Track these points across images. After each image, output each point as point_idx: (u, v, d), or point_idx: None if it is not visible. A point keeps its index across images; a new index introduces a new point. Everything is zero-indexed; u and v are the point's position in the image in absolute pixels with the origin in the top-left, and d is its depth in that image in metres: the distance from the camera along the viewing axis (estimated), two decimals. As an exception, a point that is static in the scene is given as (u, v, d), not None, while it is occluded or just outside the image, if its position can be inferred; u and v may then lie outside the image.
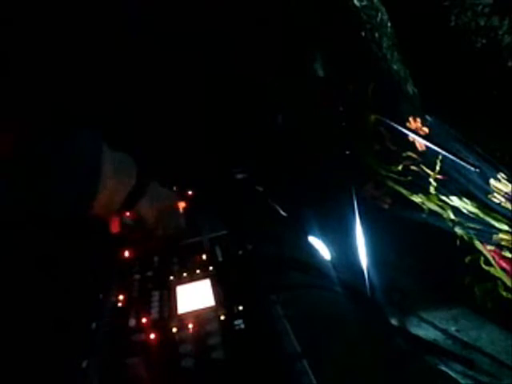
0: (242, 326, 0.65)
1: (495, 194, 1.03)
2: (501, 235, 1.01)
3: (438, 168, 1.10)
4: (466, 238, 1.07)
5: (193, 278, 0.78)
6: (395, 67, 1.15)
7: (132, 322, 0.69)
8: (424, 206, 1.14)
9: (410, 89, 1.14)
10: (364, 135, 1.24)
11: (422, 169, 1.14)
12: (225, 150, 1.24)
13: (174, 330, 0.66)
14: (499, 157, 1.00)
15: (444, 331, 0.93)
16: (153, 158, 0.87)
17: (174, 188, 1.02)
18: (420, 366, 0.80)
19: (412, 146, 1.16)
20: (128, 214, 0.81)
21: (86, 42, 0.95)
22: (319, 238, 0.97)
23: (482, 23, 0.93)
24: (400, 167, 1.19)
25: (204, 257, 0.83)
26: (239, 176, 1.17)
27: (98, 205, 0.74)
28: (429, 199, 1.13)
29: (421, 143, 1.13)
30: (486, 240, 1.03)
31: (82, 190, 0.72)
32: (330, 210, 1.10)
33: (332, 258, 0.94)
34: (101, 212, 0.76)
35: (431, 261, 1.06)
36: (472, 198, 1.06)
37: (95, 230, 0.89)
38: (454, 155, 1.02)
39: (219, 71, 1.25)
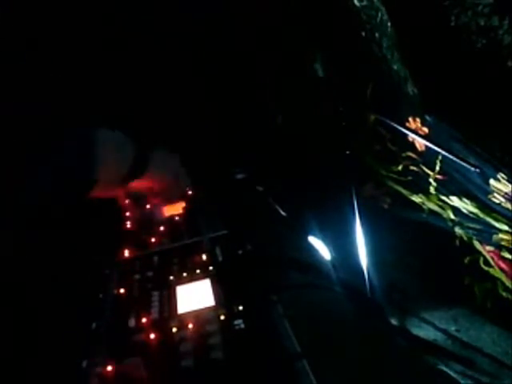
0: (242, 326, 0.65)
1: (495, 194, 1.03)
2: (500, 235, 1.01)
3: (437, 168, 1.10)
4: (465, 238, 1.07)
5: (193, 277, 0.78)
6: (395, 67, 1.15)
7: (132, 322, 0.69)
8: (424, 206, 1.14)
9: (410, 89, 1.14)
10: (364, 135, 1.24)
11: (422, 169, 1.14)
12: (225, 149, 1.24)
13: (174, 329, 0.66)
14: (499, 157, 1.00)
15: (444, 331, 0.93)
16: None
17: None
18: (420, 366, 0.80)
19: (412, 146, 1.16)
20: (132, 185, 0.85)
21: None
22: (319, 238, 0.97)
23: (482, 23, 0.93)
24: (400, 167, 1.19)
25: (204, 257, 0.83)
26: (239, 176, 1.17)
27: (101, 182, 0.77)
28: (429, 199, 1.13)
29: (421, 143, 1.14)
30: (486, 240, 1.04)
31: (82, 171, 0.75)
32: (330, 209, 1.10)
33: (332, 258, 0.94)
34: (104, 189, 0.79)
35: (431, 261, 1.06)
36: (472, 198, 1.06)
37: (97, 226, 0.90)
38: (453, 155, 1.02)
39: (219, 71, 1.25)
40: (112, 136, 0.80)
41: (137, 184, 0.87)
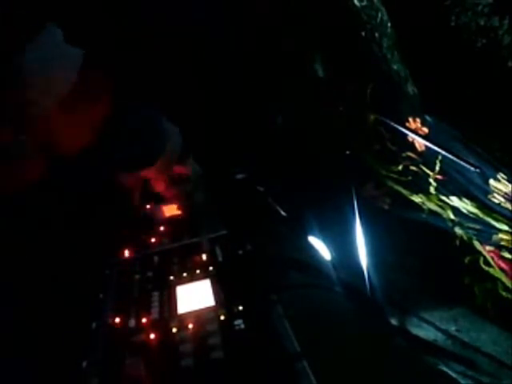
0: (242, 326, 0.65)
1: (495, 194, 1.03)
2: (500, 235, 1.01)
3: (437, 168, 1.10)
4: (465, 238, 1.07)
5: (193, 277, 0.78)
6: (395, 67, 1.15)
7: (132, 322, 0.69)
8: (424, 206, 1.14)
9: (410, 89, 1.14)
10: (364, 135, 1.24)
11: (422, 169, 1.14)
12: (225, 149, 1.24)
13: (174, 330, 0.66)
14: (499, 157, 1.00)
15: (444, 331, 0.93)
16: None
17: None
18: (420, 366, 0.80)
19: (412, 146, 1.16)
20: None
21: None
22: (319, 238, 0.97)
23: (482, 23, 0.93)
24: (400, 167, 1.19)
25: (204, 257, 0.83)
26: (239, 176, 1.17)
27: (162, 162, 0.85)
28: (429, 199, 1.13)
29: (420, 143, 1.14)
30: (486, 240, 1.03)
31: (152, 146, 0.84)
32: (330, 209, 1.10)
33: (332, 258, 0.94)
34: (161, 168, 0.87)
35: (431, 261, 1.06)
36: (472, 198, 1.06)
37: (97, 226, 0.91)
38: (453, 155, 1.02)
39: (219, 71, 1.25)
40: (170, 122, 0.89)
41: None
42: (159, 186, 0.95)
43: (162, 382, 0.59)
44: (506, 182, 1.00)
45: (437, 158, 1.09)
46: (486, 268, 1.03)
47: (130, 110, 0.79)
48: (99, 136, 0.74)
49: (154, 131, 0.84)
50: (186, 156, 0.94)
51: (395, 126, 1.13)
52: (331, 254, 0.95)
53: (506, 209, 1.00)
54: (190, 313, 0.69)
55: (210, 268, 0.79)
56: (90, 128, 0.72)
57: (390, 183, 1.20)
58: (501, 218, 1.01)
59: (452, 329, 0.93)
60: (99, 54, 0.76)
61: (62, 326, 0.71)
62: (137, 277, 0.81)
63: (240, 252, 0.83)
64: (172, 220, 0.99)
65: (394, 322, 0.94)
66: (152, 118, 0.84)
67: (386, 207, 1.20)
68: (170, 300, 0.73)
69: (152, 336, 0.65)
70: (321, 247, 0.96)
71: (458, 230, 1.08)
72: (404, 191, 1.18)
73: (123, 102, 0.78)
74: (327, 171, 1.22)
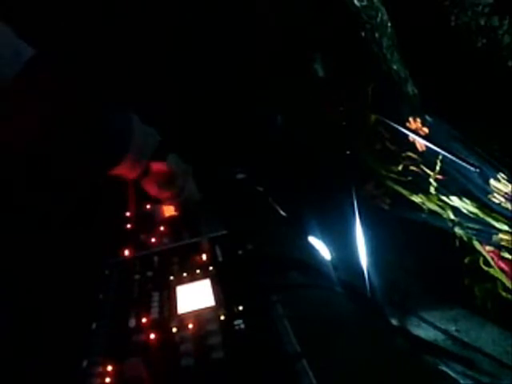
0: (242, 326, 0.65)
1: (495, 194, 1.03)
2: (500, 235, 1.01)
3: (438, 168, 1.10)
4: (465, 238, 1.07)
5: (193, 277, 0.78)
6: (395, 67, 1.15)
7: (132, 322, 0.69)
8: (424, 206, 1.14)
9: (410, 89, 1.14)
10: (364, 135, 1.24)
11: (422, 169, 1.14)
12: (225, 150, 1.24)
13: (174, 330, 0.66)
14: (499, 157, 1.00)
15: (444, 331, 0.92)
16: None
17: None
18: (420, 366, 0.80)
19: (412, 146, 1.16)
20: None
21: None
22: (319, 238, 0.97)
23: (482, 23, 0.93)
24: (400, 167, 1.19)
25: (204, 257, 0.83)
26: (239, 176, 1.17)
27: (127, 161, 0.81)
28: (429, 199, 1.13)
29: (421, 143, 1.13)
30: (486, 240, 1.03)
31: (113, 147, 0.79)
32: (330, 209, 1.10)
33: (332, 258, 0.94)
34: (128, 169, 0.84)
35: (431, 261, 1.06)
36: (472, 198, 1.06)
37: (98, 227, 0.91)
38: (454, 155, 1.01)
39: (220, 71, 1.25)
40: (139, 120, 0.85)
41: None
42: (151, 190, 0.93)
43: (162, 381, 0.59)
44: (506, 182, 1.00)
45: (437, 157, 1.09)
46: (486, 268, 1.03)
47: (94, 111, 0.76)
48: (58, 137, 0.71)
49: (113, 131, 0.79)
50: (163, 153, 0.91)
51: (395, 125, 1.13)
52: (331, 254, 0.95)
53: (506, 209, 1.00)
54: (189, 313, 0.69)
55: (210, 268, 0.79)
56: (35, 128, 0.69)
57: (390, 183, 1.20)
58: (501, 218, 1.01)
59: (452, 329, 0.93)
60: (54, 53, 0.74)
61: (62, 326, 0.71)
62: (137, 277, 0.81)
63: (240, 252, 0.83)
64: (172, 220, 0.99)
65: (394, 321, 0.93)
66: (110, 117, 0.80)
67: (386, 207, 1.20)
68: (170, 300, 0.73)
69: (152, 336, 0.65)
70: (321, 247, 0.96)
71: (458, 230, 1.08)
72: (404, 191, 1.18)
73: (95, 103, 0.76)
74: (327, 171, 1.22)
